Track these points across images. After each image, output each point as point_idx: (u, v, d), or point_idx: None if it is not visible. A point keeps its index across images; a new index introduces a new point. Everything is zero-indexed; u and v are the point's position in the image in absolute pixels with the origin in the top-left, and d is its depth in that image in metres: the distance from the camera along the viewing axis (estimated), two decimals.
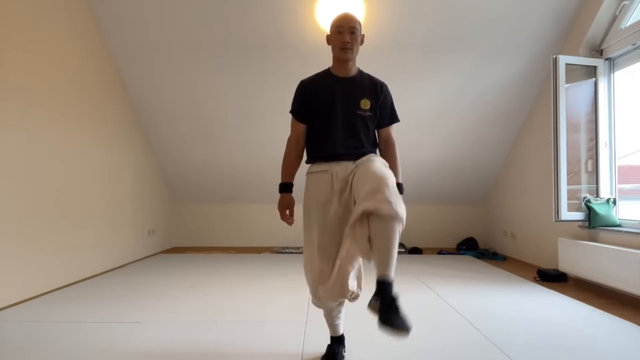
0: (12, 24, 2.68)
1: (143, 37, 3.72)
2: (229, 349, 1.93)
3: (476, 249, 5.06)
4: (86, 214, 3.46)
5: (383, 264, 1.36)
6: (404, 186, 1.71)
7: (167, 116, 4.42)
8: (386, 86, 1.76)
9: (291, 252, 4.92)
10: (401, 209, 1.36)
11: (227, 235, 5.38)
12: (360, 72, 1.75)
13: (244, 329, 2.20)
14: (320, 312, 2.43)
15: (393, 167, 1.70)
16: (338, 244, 1.59)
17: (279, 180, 5.44)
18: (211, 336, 2.09)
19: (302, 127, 1.74)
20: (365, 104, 1.67)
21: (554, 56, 3.32)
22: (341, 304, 1.77)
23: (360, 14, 3.53)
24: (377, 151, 1.79)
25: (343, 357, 1.82)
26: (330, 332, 1.86)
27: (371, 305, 1.35)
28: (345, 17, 1.68)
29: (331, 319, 1.80)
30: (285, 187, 1.74)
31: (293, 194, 1.76)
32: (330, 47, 1.71)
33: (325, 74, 1.74)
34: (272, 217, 5.28)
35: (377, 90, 1.71)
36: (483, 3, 3.46)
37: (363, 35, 1.72)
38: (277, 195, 5.24)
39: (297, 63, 3.89)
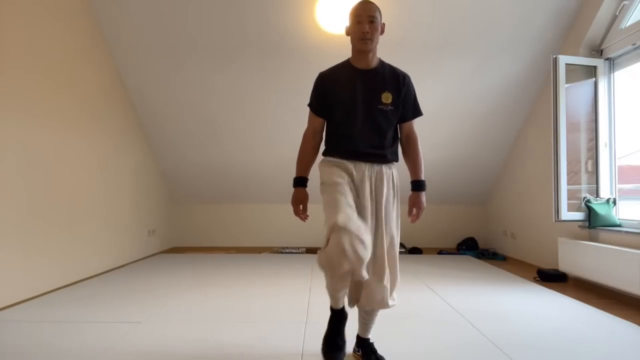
0: (12, 24, 2.68)
1: (143, 37, 3.72)
2: (229, 348, 1.93)
3: (476, 249, 5.06)
4: (86, 213, 3.46)
5: (366, 328, 1.77)
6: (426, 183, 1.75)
7: (167, 116, 4.42)
8: (409, 78, 1.68)
9: (291, 252, 4.92)
10: (394, 300, 1.66)
11: (227, 235, 5.38)
12: (382, 63, 1.68)
13: (244, 329, 2.20)
14: (321, 311, 2.44)
15: (415, 164, 1.71)
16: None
17: (280, 180, 5.47)
18: (211, 336, 2.09)
19: (320, 121, 1.70)
20: (387, 97, 1.61)
21: (554, 56, 3.32)
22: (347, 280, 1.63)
23: None
24: (399, 146, 1.75)
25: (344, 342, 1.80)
26: (332, 304, 1.78)
27: (354, 355, 1.80)
28: (364, 5, 1.59)
29: (335, 288, 1.67)
30: (300, 182, 1.72)
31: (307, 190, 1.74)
32: (349, 38, 1.64)
33: (345, 66, 1.67)
34: (272, 217, 5.28)
35: (399, 83, 1.64)
36: (483, 3, 3.46)
37: (383, 24, 1.65)
38: (278, 195, 5.25)
39: (298, 63, 3.90)
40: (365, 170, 1.62)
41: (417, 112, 1.72)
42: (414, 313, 2.50)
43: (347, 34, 1.64)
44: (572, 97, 3.38)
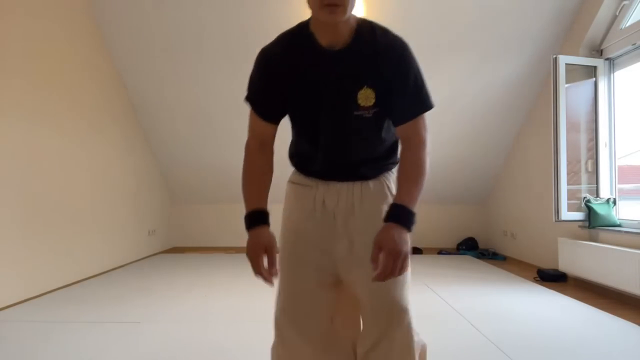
0: (12, 24, 2.68)
1: (144, 38, 3.72)
2: (229, 349, 1.93)
3: (476, 249, 5.05)
4: (86, 214, 3.46)
5: None
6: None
7: (168, 116, 4.42)
8: (406, 52, 1.03)
9: None
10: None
11: (227, 235, 5.37)
12: (359, 33, 1.02)
13: (244, 329, 2.20)
14: None
15: (407, 178, 1.05)
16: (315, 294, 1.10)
17: (280, 180, 5.43)
18: (211, 336, 2.09)
19: (268, 127, 1.11)
20: (367, 97, 1.02)
21: (554, 56, 3.32)
22: None
23: (359, 14, 3.52)
24: (397, 156, 1.20)
25: None
26: None
27: None
28: None
29: None
30: (255, 219, 1.13)
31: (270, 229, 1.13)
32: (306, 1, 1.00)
33: (302, 39, 1.05)
34: (272, 217, 5.27)
35: (387, 65, 1.01)
36: (483, 3, 3.46)
37: None
38: (278, 195, 5.24)
39: None
40: (342, 189, 1.11)
41: (422, 105, 1.06)
42: (414, 313, 2.49)
43: None
44: (572, 97, 3.38)
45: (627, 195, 3.40)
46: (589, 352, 1.90)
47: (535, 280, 3.45)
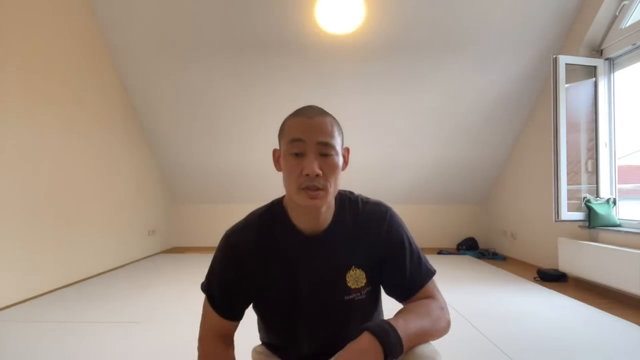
0: (12, 24, 2.68)
1: (144, 38, 3.72)
2: None
3: (476, 249, 5.05)
4: (86, 213, 3.46)
5: None
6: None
7: (168, 116, 4.42)
8: (391, 218, 0.94)
9: None
10: None
11: None
12: (340, 211, 0.93)
13: (244, 329, 2.19)
14: None
15: (405, 313, 0.85)
16: None
17: (280, 180, 5.42)
18: None
19: (228, 324, 0.94)
20: (356, 279, 0.91)
21: (554, 56, 3.32)
22: None
23: (360, 14, 3.52)
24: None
25: None
26: None
27: None
28: (309, 117, 0.86)
29: None
30: None
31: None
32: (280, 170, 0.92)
33: (277, 225, 0.93)
34: None
35: (374, 239, 0.92)
36: (483, 3, 3.46)
37: (347, 150, 0.93)
38: (278, 195, 5.24)
39: (298, 63, 3.90)
40: None
41: (428, 272, 0.93)
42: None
43: (278, 168, 0.93)
44: (572, 97, 3.38)
45: (627, 195, 3.40)
46: (589, 352, 1.90)
47: (535, 280, 3.45)
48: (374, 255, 0.91)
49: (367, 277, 0.92)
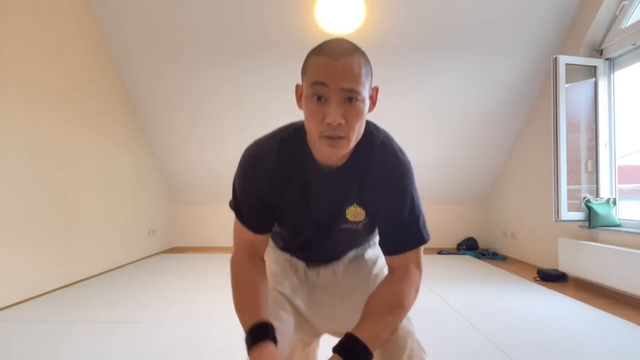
0: (12, 23, 2.68)
1: (144, 37, 3.72)
2: (229, 349, 1.92)
3: (476, 249, 5.05)
4: (86, 213, 3.46)
5: None
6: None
7: (167, 116, 4.42)
8: (404, 175, 0.93)
9: None
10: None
11: (227, 235, 5.37)
12: (358, 150, 0.92)
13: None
14: None
15: (370, 315, 0.88)
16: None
17: None
18: (211, 336, 2.09)
19: (259, 238, 0.98)
20: (356, 214, 0.96)
21: (554, 56, 3.32)
22: None
23: (360, 14, 3.52)
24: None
25: None
26: None
27: None
28: (335, 56, 0.79)
29: None
30: (257, 334, 0.88)
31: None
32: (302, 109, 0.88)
33: (298, 152, 0.94)
34: None
35: (380, 187, 0.93)
36: (483, 3, 3.46)
37: (376, 90, 0.89)
38: None
39: (298, 62, 3.88)
40: (323, 271, 1.11)
41: (414, 240, 0.93)
42: (414, 313, 2.49)
43: (300, 106, 0.88)
44: (572, 97, 3.38)
45: (627, 195, 3.40)
46: (589, 352, 1.90)
47: (535, 280, 3.45)
48: (376, 201, 0.95)
49: (367, 215, 0.97)
